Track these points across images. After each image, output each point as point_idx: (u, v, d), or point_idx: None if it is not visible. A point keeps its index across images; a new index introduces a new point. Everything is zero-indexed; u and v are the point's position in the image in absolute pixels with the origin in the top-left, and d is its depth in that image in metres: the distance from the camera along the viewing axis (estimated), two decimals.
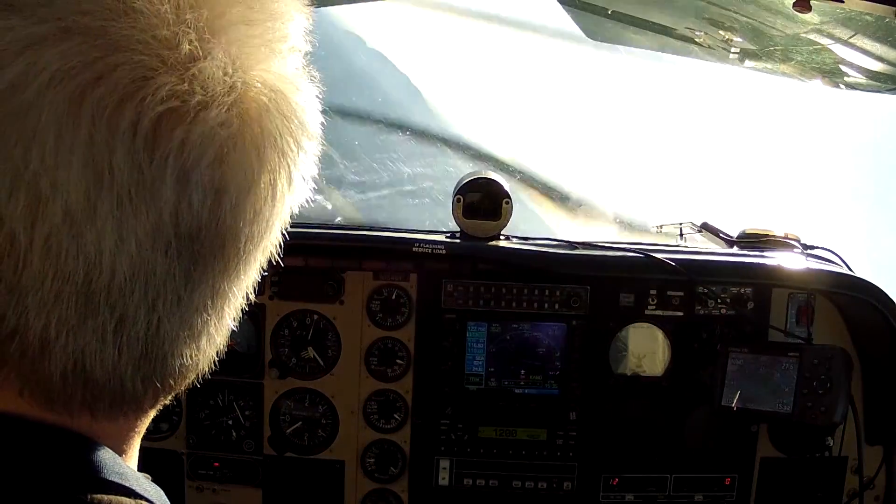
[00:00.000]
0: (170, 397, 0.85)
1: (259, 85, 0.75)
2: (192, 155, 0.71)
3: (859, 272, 2.38)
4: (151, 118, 0.69)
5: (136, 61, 0.69)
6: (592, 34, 4.34)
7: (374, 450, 2.51)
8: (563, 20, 4.34)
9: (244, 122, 0.74)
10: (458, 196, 2.41)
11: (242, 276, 0.81)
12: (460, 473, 2.50)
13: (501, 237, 2.44)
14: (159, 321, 0.74)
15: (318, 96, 0.83)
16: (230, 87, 0.73)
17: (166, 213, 0.71)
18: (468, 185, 2.42)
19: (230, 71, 0.73)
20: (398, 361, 2.47)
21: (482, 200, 2.41)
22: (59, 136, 0.67)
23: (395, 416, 2.50)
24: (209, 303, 0.78)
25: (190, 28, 0.72)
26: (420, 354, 2.48)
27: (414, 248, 2.35)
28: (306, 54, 0.83)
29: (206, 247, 0.75)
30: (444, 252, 2.37)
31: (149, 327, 0.74)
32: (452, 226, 2.45)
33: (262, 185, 0.76)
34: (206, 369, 0.83)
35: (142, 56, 0.69)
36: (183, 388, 0.84)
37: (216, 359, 0.84)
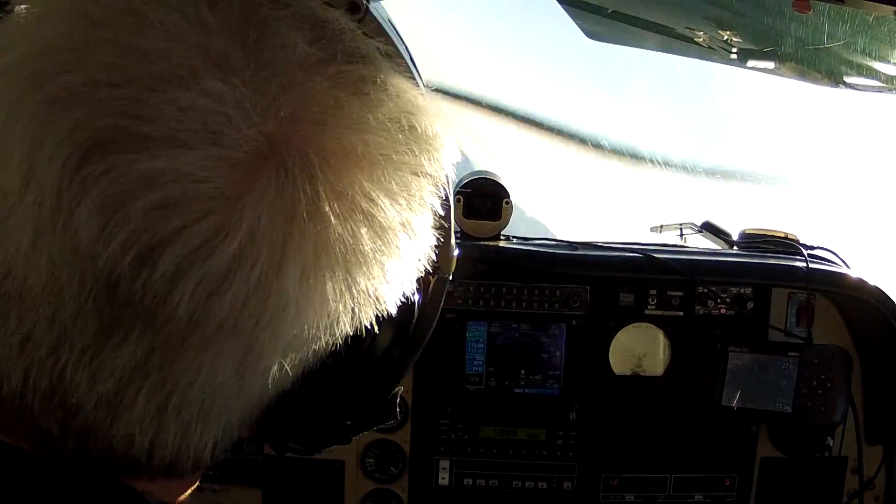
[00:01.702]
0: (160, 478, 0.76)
1: (324, 175, 0.63)
2: (124, 187, 0.59)
3: (859, 272, 2.38)
4: (97, 128, 0.60)
5: (114, 65, 0.61)
6: (592, 34, 4.34)
7: (374, 450, 2.51)
8: (563, 20, 4.34)
9: (244, 190, 0.61)
10: (458, 196, 2.40)
11: (201, 378, 0.66)
12: (460, 473, 2.50)
13: (501, 237, 2.44)
14: (65, 364, 0.64)
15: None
16: (235, 140, 0.60)
17: (84, 240, 0.60)
18: (468, 184, 2.42)
19: (255, 121, 0.61)
20: None
21: (482, 200, 2.41)
22: (10, 113, 0.62)
23: None
24: (139, 383, 0.65)
25: (228, 49, 0.62)
26: (420, 354, 2.47)
27: None
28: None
29: (126, 308, 0.62)
30: None
31: (56, 364, 0.64)
32: None
33: (241, 278, 0.61)
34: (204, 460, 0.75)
35: (122, 61, 0.61)
36: (161, 471, 0.76)
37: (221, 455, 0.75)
